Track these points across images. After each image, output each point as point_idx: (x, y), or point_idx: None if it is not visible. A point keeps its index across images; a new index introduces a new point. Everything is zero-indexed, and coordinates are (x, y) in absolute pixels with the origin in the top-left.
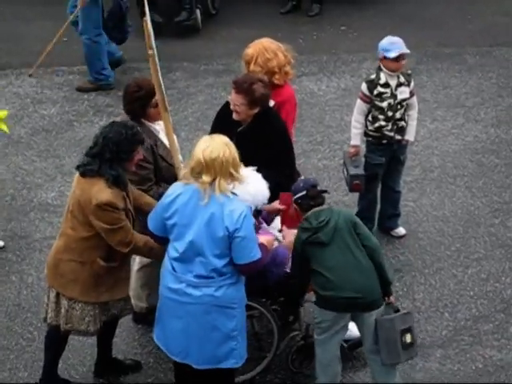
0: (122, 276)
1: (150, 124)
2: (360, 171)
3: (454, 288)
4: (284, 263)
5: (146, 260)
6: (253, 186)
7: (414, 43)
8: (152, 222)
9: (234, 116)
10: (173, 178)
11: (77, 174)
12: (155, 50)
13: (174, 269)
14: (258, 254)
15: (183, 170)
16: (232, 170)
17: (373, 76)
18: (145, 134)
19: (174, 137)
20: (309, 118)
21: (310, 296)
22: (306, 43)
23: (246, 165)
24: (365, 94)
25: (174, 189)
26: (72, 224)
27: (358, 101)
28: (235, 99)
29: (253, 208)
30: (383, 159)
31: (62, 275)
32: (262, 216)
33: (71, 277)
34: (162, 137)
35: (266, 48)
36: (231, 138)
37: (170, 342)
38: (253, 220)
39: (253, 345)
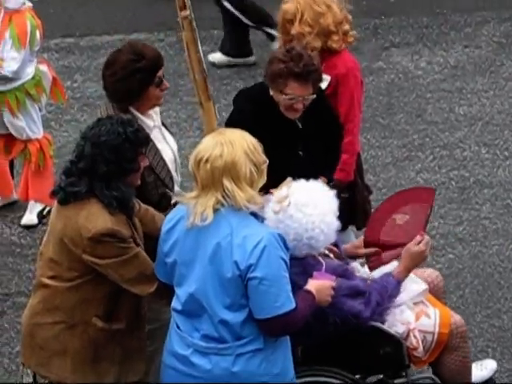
0: (132, 345)
1: (141, 116)
2: None
3: None
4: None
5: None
6: (304, 208)
7: None
8: (156, 264)
9: (293, 115)
10: (165, 202)
11: (54, 203)
12: (191, 9)
13: (178, 326)
14: (288, 304)
15: None
16: (226, 182)
17: None
18: None
19: None
20: (402, 111)
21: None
22: None
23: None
24: None
25: (177, 211)
26: (53, 272)
27: None
28: (302, 92)
29: (305, 249)
30: None
31: (42, 347)
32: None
33: (57, 347)
34: (157, 137)
35: None
36: (293, 146)
37: None
38: (281, 252)
39: None
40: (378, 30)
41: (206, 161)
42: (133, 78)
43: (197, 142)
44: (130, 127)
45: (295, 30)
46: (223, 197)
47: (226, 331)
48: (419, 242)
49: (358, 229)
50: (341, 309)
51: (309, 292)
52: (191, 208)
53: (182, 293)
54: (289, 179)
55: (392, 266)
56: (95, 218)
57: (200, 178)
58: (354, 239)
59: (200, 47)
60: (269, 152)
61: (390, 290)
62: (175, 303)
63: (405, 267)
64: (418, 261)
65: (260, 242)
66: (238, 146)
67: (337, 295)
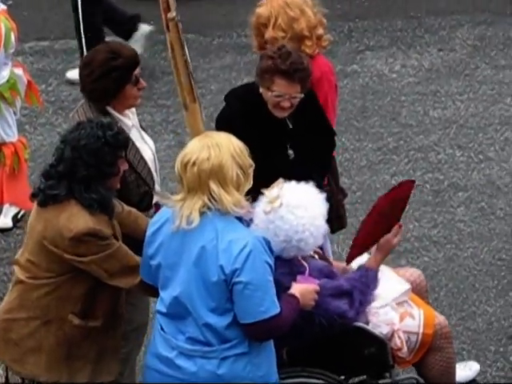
0: (107, 345)
1: (119, 115)
2: None
3: None
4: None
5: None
6: (296, 210)
7: None
8: (141, 264)
9: (280, 114)
10: (146, 200)
11: (34, 205)
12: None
13: (162, 328)
14: (273, 309)
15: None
16: (212, 185)
17: None
18: None
19: None
20: (376, 114)
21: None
22: (372, 2)
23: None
24: None
25: (162, 214)
26: (30, 273)
27: None
28: (288, 90)
29: (293, 251)
30: None
31: (16, 343)
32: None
33: (31, 344)
34: (135, 136)
35: (287, 3)
36: (282, 146)
37: None
38: (266, 256)
39: None
40: (352, 33)
41: (193, 164)
42: (109, 77)
43: (171, 145)
44: (109, 131)
45: (269, 34)
46: (210, 200)
47: (211, 334)
48: (397, 234)
49: (332, 232)
50: (326, 309)
51: (293, 296)
52: (177, 211)
53: (166, 295)
54: (280, 180)
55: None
56: (76, 218)
57: (186, 180)
58: (328, 242)
59: (186, 49)
60: (258, 151)
61: (371, 285)
62: (159, 306)
63: (382, 257)
64: (389, 249)
65: (245, 247)
66: (225, 149)
67: (322, 296)
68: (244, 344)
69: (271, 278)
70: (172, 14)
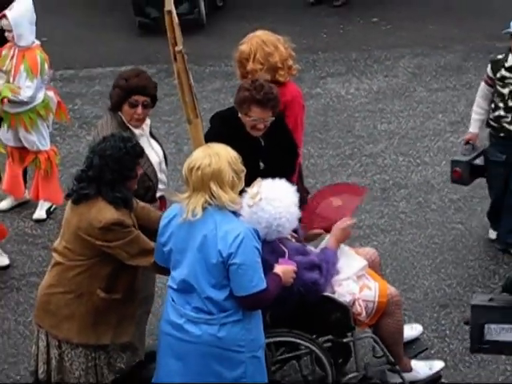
0: (126, 314)
1: (128, 124)
2: (463, 158)
3: None
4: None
5: None
6: (273, 202)
7: (459, 36)
8: (155, 251)
9: (256, 133)
10: (150, 194)
11: (68, 203)
12: (183, 45)
13: (173, 300)
14: (261, 284)
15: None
16: (212, 185)
17: (500, 56)
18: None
19: None
20: (335, 127)
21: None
22: (331, 38)
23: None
24: (488, 76)
25: (172, 209)
26: (67, 257)
27: (482, 83)
28: (263, 115)
29: (274, 234)
30: (503, 157)
31: (54, 313)
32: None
33: (66, 312)
34: (143, 144)
35: (264, 41)
36: (255, 159)
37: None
38: (255, 243)
39: None
40: (315, 63)
41: (197, 168)
42: (115, 90)
43: (172, 152)
44: (129, 143)
45: (250, 66)
46: (210, 198)
47: (212, 305)
48: (346, 222)
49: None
50: (303, 279)
51: (277, 275)
52: (184, 206)
53: (176, 275)
54: (259, 179)
55: (325, 243)
56: (104, 211)
57: (192, 182)
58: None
59: (190, 75)
60: None
61: (331, 260)
62: (171, 282)
63: (335, 240)
64: (344, 237)
65: (239, 235)
66: (223, 157)
67: (299, 269)
68: (239, 313)
69: (259, 260)
70: (179, 47)
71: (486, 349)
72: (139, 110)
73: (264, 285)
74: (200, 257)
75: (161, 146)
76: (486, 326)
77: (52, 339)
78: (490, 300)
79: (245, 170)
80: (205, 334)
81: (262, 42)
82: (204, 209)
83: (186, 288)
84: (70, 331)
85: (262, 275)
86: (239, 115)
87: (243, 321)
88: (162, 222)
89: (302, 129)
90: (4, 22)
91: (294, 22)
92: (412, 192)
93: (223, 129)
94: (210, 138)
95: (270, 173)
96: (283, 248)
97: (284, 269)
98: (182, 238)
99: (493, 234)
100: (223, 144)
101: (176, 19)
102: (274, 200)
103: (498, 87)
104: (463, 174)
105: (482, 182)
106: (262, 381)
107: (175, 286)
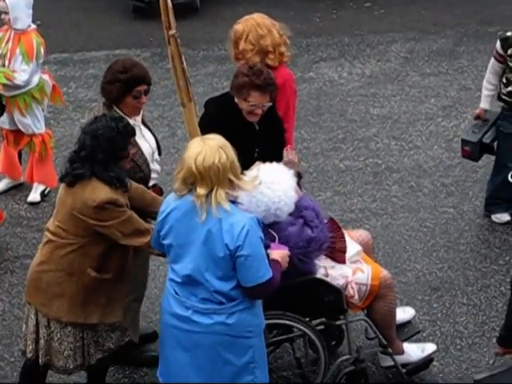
0: (115, 296)
1: (122, 114)
2: (473, 138)
3: (503, 309)
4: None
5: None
6: (272, 185)
7: (451, 21)
8: (152, 238)
9: (253, 119)
10: (141, 184)
11: (62, 185)
12: (177, 29)
13: (176, 293)
14: (267, 274)
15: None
16: (232, 177)
17: (509, 33)
18: None
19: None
20: (328, 111)
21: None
22: (324, 23)
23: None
24: (498, 52)
25: (167, 203)
26: (60, 236)
27: (492, 59)
28: (261, 101)
29: (272, 218)
30: None
31: (45, 291)
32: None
33: (57, 290)
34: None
35: (258, 23)
36: (250, 144)
37: (175, 378)
38: (259, 233)
39: (294, 374)
40: (309, 47)
41: (214, 164)
42: (114, 85)
43: (166, 136)
44: (120, 122)
45: (241, 46)
46: (230, 189)
47: (221, 296)
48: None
49: None
50: (299, 245)
51: (277, 261)
52: (201, 203)
53: (178, 268)
54: (257, 162)
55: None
56: (98, 191)
57: (209, 179)
58: None
59: (184, 59)
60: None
61: (308, 204)
62: (172, 275)
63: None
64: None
65: (244, 227)
66: (229, 147)
67: (293, 238)
68: (245, 301)
69: (263, 250)
70: (172, 31)
71: None
72: (144, 99)
73: (270, 274)
74: (205, 251)
75: (153, 135)
76: None
77: (41, 318)
78: (491, 377)
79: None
80: (216, 323)
81: (256, 23)
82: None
83: (190, 281)
84: (60, 309)
85: (268, 265)
86: (235, 101)
87: (250, 308)
88: (159, 218)
89: (294, 113)
90: (1, 4)
91: (288, 7)
92: (404, 176)
93: (219, 116)
94: (206, 125)
95: (264, 158)
96: (273, 233)
97: (280, 253)
98: (183, 233)
99: (504, 217)
100: (217, 131)
101: (170, 3)
102: (273, 183)
103: (510, 63)
104: (472, 152)
105: (474, 166)
106: (264, 365)
107: (178, 280)
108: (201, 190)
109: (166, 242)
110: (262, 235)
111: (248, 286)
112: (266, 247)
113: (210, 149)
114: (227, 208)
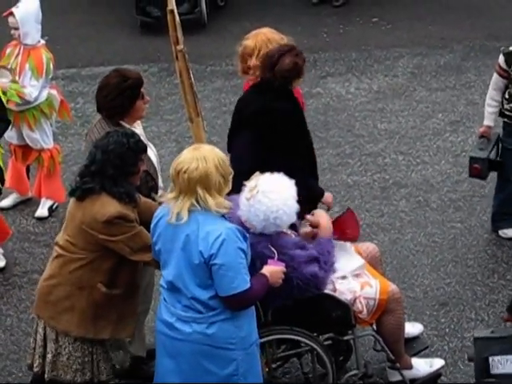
0: (126, 312)
1: (130, 127)
2: (482, 154)
3: (511, 324)
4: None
5: None
6: (270, 195)
7: (458, 36)
8: (152, 248)
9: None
10: (153, 194)
11: (72, 199)
12: (184, 44)
13: (164, 299)
14: (243, 285)
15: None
16: (199, 190)
17: None
18: None
19: None
20: (335, 127)
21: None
22: (331, 38)
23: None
24: (501, 67)
25: (159, 210)
26: (69, 251)
27: (495, 75)
28: None
29: (272, 227)
30: None
31: (54, 304)
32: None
33: (66, 304)
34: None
35: (269, 39)
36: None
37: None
38: (238, 244)
39: None
40: (316, 62)
41: (184, 172)
42: (124, 95)
43: (173, 151)
44: (132, 138)
45: (252, 62)
46: (197, 201)
47: (199, 304)
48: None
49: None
50: (302, 272)
51: (263, 275)
52: (171, 208)
53: (165, 274)
54: (257, 173)
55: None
56: (108, 205)
57: (178, 184)
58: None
59: (191, 74)
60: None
61: (327, 249)
62: (162, 281)
63: (324, 228)
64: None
65: (219, 236)
66: (210, 161)
67: (298, 263)
68: (226, 311)
69: (242, 260)
70: (180, 46)
71: (491, 383)
72: (147, 96)
73: (246, 286)
74: (184, 257)
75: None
76: (490, 358)
77: (50, 333)
78: (492, 332)
79: (232, 172)
80: (194, 332)
81: (267, 39)
82: (190, 212)
83: (174, 288)
84: (69, 323)
85: (246, 276)
86: (290, 87)
87: (232, 319)
88: (152, 223)
89: None
90: (11, 19)
91: (295, 22)
92: (412, 191)
93: (298, 109)
94: (298, 125)
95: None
96: (273, 249)
97: (272, 269)
98: (168, 239)
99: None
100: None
101: (178, 18)
102: (271, 192)
103: None
104: (482, 169)
105: (480, 181)
106: (255, 378)
107: (166, 286)
108: (171, 194)
109: (156, 247)
110: (242, 246)
111: (223, 296)
112: (263, 263)
113: (191, 157)
114: (184, 218)
